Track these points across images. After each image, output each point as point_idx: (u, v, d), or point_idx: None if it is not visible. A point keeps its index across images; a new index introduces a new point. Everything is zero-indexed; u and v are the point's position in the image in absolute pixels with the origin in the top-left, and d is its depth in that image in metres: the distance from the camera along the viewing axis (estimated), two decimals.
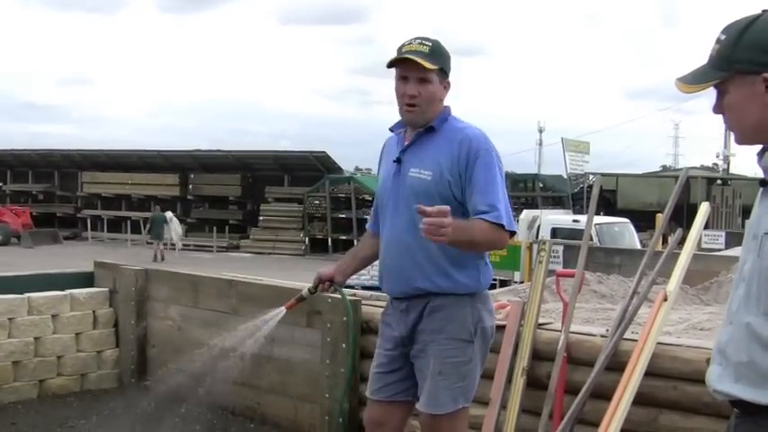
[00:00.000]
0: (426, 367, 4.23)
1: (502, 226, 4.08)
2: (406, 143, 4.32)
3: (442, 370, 4.18)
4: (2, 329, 7.68)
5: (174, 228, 39.11)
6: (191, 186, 46.40)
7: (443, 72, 4.25)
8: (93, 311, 8.31)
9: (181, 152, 47.28)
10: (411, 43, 4.20)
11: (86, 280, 8.64)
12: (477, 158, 4.13)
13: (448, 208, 3.73)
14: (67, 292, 8.23)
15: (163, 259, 35.50)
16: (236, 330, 5.27)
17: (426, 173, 4.18)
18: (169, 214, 39.34)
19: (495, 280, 20.91)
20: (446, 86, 4.29)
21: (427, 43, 4.18)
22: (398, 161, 4.31)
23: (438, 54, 4.20)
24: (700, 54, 2.58)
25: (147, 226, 39.85)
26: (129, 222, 46.09)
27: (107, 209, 48.82)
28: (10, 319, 7.74)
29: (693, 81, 2.51)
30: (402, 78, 4.22)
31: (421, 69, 4.14)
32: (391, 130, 4.48)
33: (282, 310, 4.89)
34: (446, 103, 4.31)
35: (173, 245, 38.97)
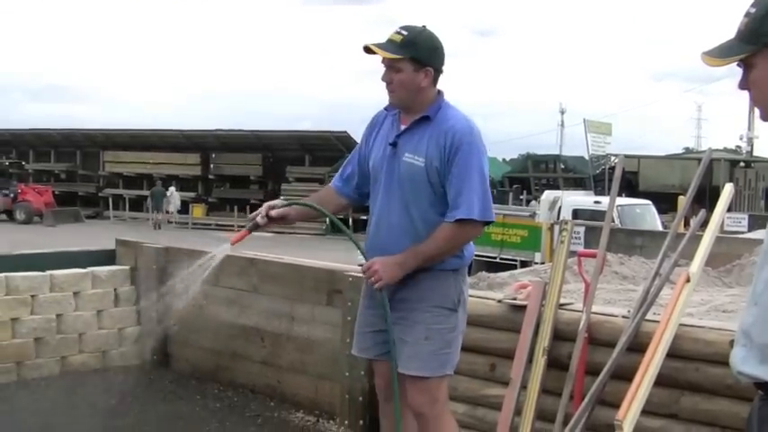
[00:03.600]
0: (406, 333, 4.38)
1: (469, 219, 4.25)
2: (403, 127, 4.43)
3: (428, 335, 4.34)
4: (24, 306, 7.73)
5: (174, 201, 43.20)
6: (212, 166, 46.47)
7: (417, 61, 4.32)
8: (115, 289, 8.34)
9: (202, 131, 47.33)
10: (392, 33, 4.35)
11: (108, 258, 8.67)
12: (457, 152, 4.25)
13: (368, 265, 4.30)
14: (89, 269, 8.26)
15: (159, 227, 39.97)
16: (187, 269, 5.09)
17: (419, 159, 4.30)
18: (171, 189, 43.49)
19: (515, 261, 20.99)
20: (426, 74, 4.36)
21: (403, 33, 4.31)
22: (394, 144, 4.41)
23: (411, 44, 4.30)
24: (726, 33, 2.54)
25: (148, 199, 43.97)
26: (147, 201, 46.18)
27: (128, 188, 48.94)
28: (32, 296, 7.79)
29: (720, 55, 2.48)
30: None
31: (385, 59, 4.31)
32: (386, 109, 4.59)
33: (227, 247, 4.71)
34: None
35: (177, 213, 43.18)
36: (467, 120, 4.35)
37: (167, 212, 43.16)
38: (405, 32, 4.31)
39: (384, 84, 4.39)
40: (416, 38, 4.32)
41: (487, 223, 4.34)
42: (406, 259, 4.30)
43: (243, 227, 4.66)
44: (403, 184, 4.34)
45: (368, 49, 4.33)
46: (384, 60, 4.33)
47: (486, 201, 4.29)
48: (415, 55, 4.30)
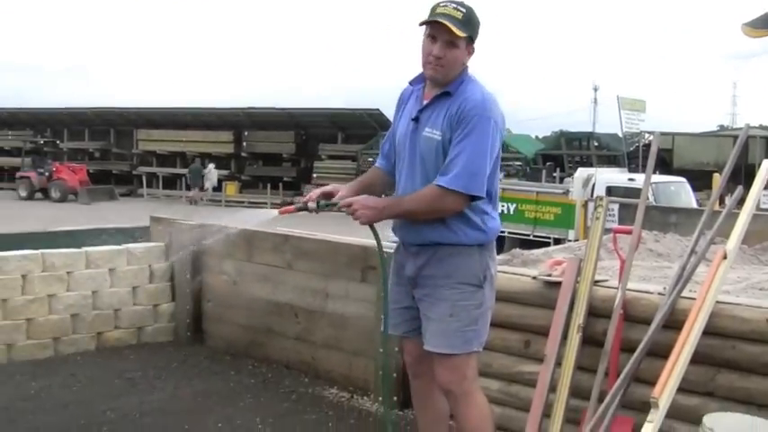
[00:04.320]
0: (432, 311, 4.38)
1: (452, 190, 4.18)
2: (425, 102, 4.41)
3: (453, 312, 4.32)
4: (61, 283, 7.81)
5: (212, 177, 43.56)
6: (244, 144, 46.49)
7: (471, 39, 4.32)
8: (150, 266, 8.41)
9: (234, 110, 47.34)
10: (446, 5, 4.27)
11: (143, 235, 8.74)
12: (461, 122, 4.21)
13: (348, 202, 4.34)
14: (124, 246, 8.33)
15: (196, 203, 39.90)
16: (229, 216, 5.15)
17: (437, 133, 4.28)
18: (210, 166, 43.93)
19: (548, 238, 20.92)
20: (470, 52, 4.36)
21: (462, 9, 4.26)
22: (416, 119, 4.40)
23: (469, 22, 4.26)
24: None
25: (186, 176, 44.59)
26: (184, 179, 46.32)
27: (162, 166, 49.14)
28: (68, 272, 7.87)
29: (764, 26, 2.44)
30: (430, 37, 4.29)
31: (451, 34, 4.22)
32: (411, 83, 4.56)
33: (275, 212, 4.76)
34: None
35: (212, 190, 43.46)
36: (483, 94, 4.29)
37: (203, 190, 43.48)
38: (462, 9, 4.26)
39: (423, 55, 4.33)
40: (472, 15, 4.29)
41: (473, 198, 4.23)
42: (386, 205, 4.35)
43: (277, 204, 4.67)
44: (424, 158, 4.33)
45: (425, 23, 4.27)
46: (441, 35, 4.24)
47: (476, 176, 4.18)
48: (471, 34, 4.30)
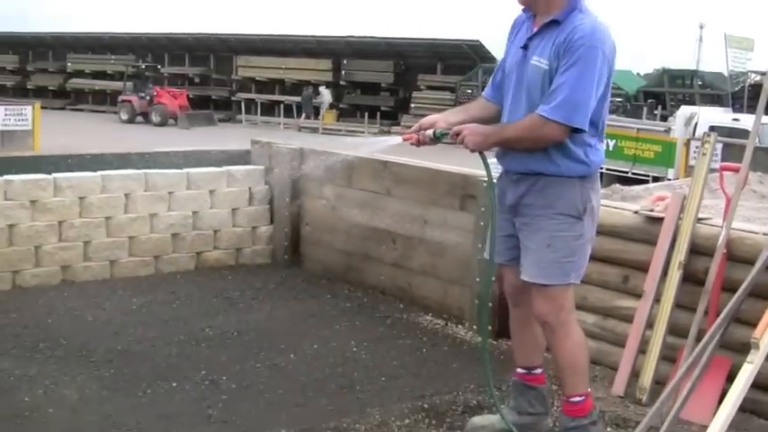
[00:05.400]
0: (530, 240, 4.36)
1: (552, 120, 4.13)
2: (535, 29, 4.34)
3: (551, 243, 4.29)
4: (162, 202, 7.95)
5: (325, 99, 44.46)
6: (343, 72, 46.48)
7: None
8: (249, 188, 8.50)
9: (334, 37, 47.32)
10: None
11: (243, 158, 8.82)
12: (568, 51, 4.13)
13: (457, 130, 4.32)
14: (224, 168, 8.42)
15: (301, 129, 41.52)
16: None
17: (544, 61, 4.22)
18: (321, 89, 45.00)
19: (647, 176, 20.61)
20: None
21: None
22: (525, 48, 4.35)
23: None
24: None
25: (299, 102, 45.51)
26: (282, 106, 46.56)
27: (261, 93, 49.39)
28: (170, 192, 8.00)
29: None
30: None
31: None
32: (523, 11, 4.50)
33: (398, 138, 4.78)
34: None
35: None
36: (593, 24, 4.19)
37: (316, 118, 44.28)
38: None
39: None
40: None
41: (576, 130, 4.17)
42: (491, 132, 4.35)
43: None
44: (530, 87, 4.28)
45: None
46: None
47: (578, 107, 4.12)
48: None
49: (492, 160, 4.56)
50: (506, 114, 4.45)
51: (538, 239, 4.34)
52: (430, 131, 4.45)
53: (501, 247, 4.57)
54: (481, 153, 4.44)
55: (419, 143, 4.51)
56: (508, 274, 4.65)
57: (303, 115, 44.41)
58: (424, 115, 4.80)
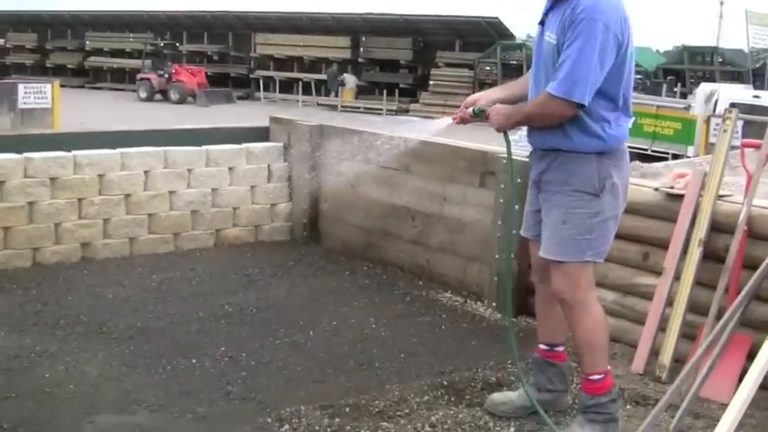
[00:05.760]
0: (548, 216, 4.37)
1: (556, 96, 4.12)
2: (550, 4, 4.33)
3: (566, 219, 4.29)
4: (181, 179, 7.96)
5: (349, 83, 44.36)
6: (362, 49, 46.30)
7: None
8: (268, 165, 8.50)
9: (352, 15, 47.15)
10: None
11: (262, 135, 8.81)
12: (571, 25, 4.10)
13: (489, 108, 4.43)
14: (244, 145, 8.43)
15: (318, 105, 42.24)
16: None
17: (553, 37, 4.21)
18: (344, 75, 44.76)
19: (666, 153, 20.50)
20: None
21: None
22: (542, 23, 4.37)
23: None
24: None
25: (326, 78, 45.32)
26: (300, 84, 46.45)
27: (279, 70, 49.29)
28: (189, 170, 8.01)
29: None
30: None
31: None
32: None
33: (449, 120, 4.83)
34: None
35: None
36: None
37: (336, 95, 44.27)
38: None
39: None
40: None
41: (579, 105, 4.11)
42: (513, 112, 4.42)
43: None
44: (546, 63, 4.27)
45: None
46: None
47: (578, 82, 4.06)
48: None
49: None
50: (531, 91, 4.44)
51: (554, 216, 4.33)
52: (470, 109, 4.54)
53: (531, 221, 4.60)
54: (505, 133, 4.49)
55: (462, 121, 4.60)
56: (534, 248, 4.64)
57: (332, 93, 44.42)
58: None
